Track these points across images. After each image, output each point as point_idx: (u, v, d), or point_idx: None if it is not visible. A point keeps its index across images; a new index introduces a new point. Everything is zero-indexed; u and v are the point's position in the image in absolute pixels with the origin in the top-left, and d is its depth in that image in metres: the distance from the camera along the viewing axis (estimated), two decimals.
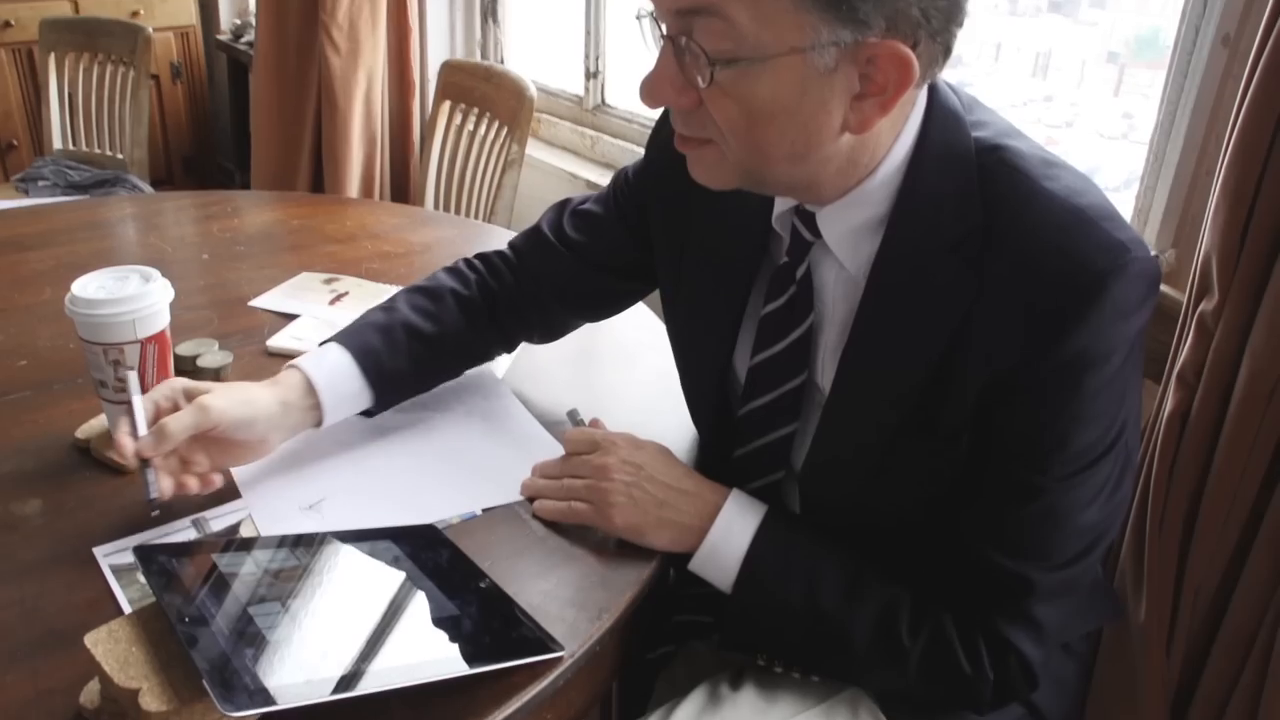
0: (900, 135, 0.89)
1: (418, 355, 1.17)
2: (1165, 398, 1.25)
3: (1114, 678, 1.30)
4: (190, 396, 1.02)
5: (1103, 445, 0.88)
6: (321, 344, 1.15)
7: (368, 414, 1.17)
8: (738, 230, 1.03)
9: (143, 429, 0.98)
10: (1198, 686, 1.26)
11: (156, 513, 0.98)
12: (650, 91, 0.87)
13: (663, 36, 0.84)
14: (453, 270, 1.27)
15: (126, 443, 0.97)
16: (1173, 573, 1.26)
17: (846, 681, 1.00)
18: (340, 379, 1.12)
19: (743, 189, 0.92)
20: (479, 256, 1.29)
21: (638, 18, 0.87)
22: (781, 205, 0.99)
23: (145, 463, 0.97)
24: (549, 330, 1.30)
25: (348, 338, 1.15)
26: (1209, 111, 1.36)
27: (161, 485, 0.97)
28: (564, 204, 1.26)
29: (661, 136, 1.13)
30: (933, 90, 0.90)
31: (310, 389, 1.09)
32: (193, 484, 1.00)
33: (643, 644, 1.09)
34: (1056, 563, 0.91)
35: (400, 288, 1.24)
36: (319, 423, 1.11)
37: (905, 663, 0.93)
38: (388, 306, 1.20)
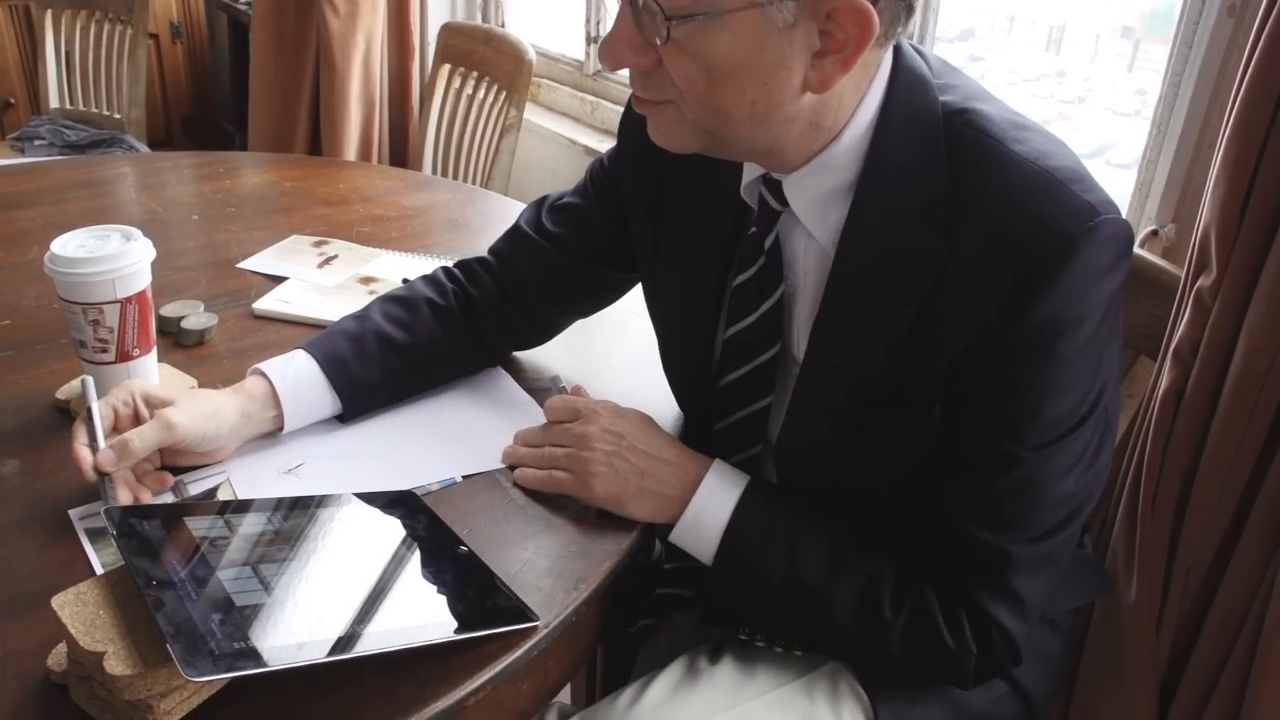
0: (865, 99, 0.87)
1: (390, 365, 1.15)
2: (1161, 375, 1.24)
3: (1103, 655, 1.29)
4: (150, 404, 1.00)
5: (1079, 413, 0.86)
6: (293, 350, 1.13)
7: (340, 419, 1.14)
8: (712, 205, 1.02)
9: (101, 440, 0.95)
10: (1187, 665, 1.25)
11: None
12: (608, 53, 0.86)
13: None
14: (430, 279, 1.23)
15: (85, 454, 0.94)
16: (1165, 551, 1.25)
17: (828, 655, 0.99)
18: (304, 387, 1.09)
19: (704, 152, 0.90)
20: (459, 265, 1.26)
21: None
22: (749, 174, 0.97)
23: (104, 478, 0.94)
24: (539, 331, 1.27)
25: (316, 346, 1.12)
26: (1213, 83, 1.34)
27: (119, 496, 0.95)
28: (541, 201, 1.24)
29: (633, 118, 1.10)
30: (898, 53, 0.89)
31: (273, 397, 1.07)
32: (147, 495, 0.98)
33: (624, 616, 1.08)
34: (1035, 534, 0.89)
35: (389, 251, 1.22)
36: (280, 429, 1.09)
37: (888, 637, 0.92)
38: (360, 315, 1.18)
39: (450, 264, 1.26)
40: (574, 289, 1.23)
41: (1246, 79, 1.07)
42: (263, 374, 1.07)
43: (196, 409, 1.00)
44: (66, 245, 1.06)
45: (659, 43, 0.80)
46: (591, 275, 1.21)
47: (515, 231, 1.23)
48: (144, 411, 0.99)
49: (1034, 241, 0.80)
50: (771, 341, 0.98)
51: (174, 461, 1.02)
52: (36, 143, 2.95)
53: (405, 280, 1.39)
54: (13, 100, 3.70)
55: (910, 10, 0.82)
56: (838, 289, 0.91)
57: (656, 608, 1.12)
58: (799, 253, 0.95)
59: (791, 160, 0.90)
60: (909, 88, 0.88)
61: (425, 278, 1.24)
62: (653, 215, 1.08)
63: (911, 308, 0.86)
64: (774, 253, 0.96)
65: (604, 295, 1.25)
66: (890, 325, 0.88)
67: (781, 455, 1.00)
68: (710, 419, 1.06)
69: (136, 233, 1.08)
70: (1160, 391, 1.23)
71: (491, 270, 1.24)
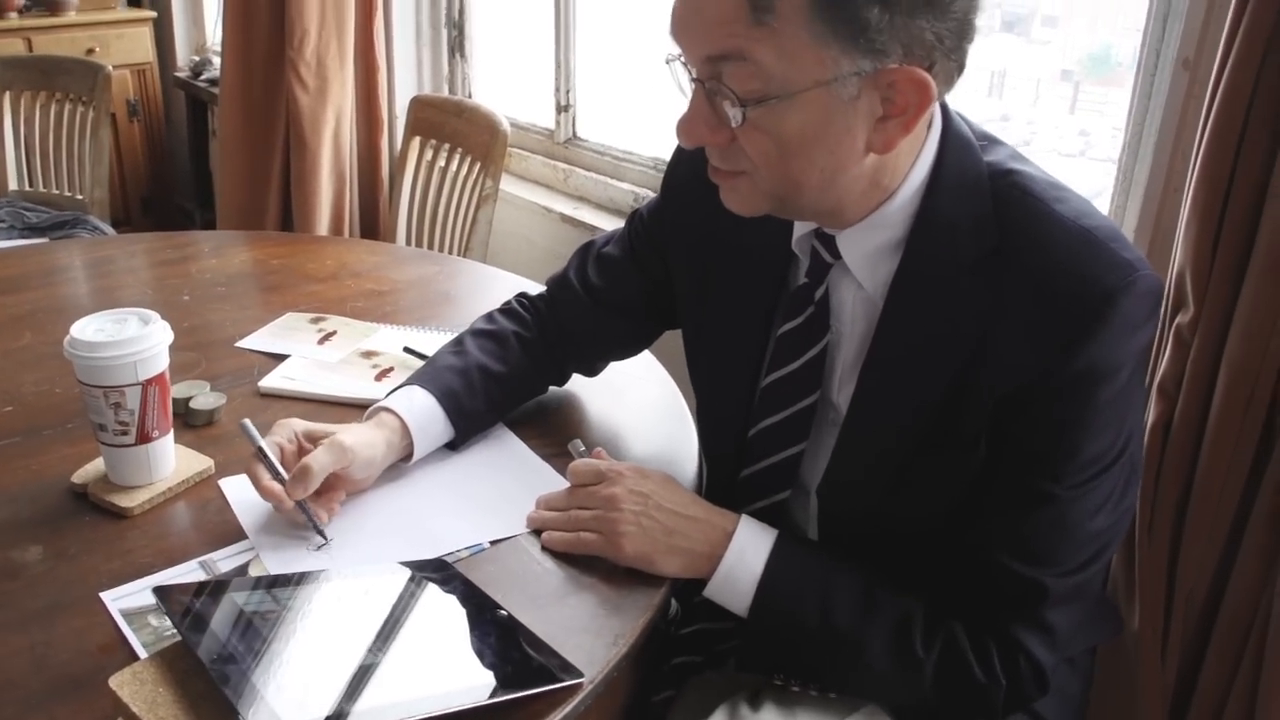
0: (917, 160, 0.94)
1: (492, 394, 1.23)
2: (1148, 409, 1.29)
3: (1112, 686, 1.33)
4: (311, 437, 1.10)
5: (1112, 454, 0.92)
6: (397, 387, 1.20)
7: (450, 446, 1.21)
8: (759, 257, 1.07)
9: (283, 472, 1.05)
10: (1194, 691, 1.29)
11: (324, 542, 1.04)
12: (686, 132, 0.92)
13: (693, 80, 0.88)
14: (507, 313, 1.32)
15: (275, 487, 1.04)
16: (1164, 580, 1.29)
17: (864, 697, 1.02)
18: (428, 420, 1.17)
19: (772, 214, 0.96)
20: (526, 298, 1.34)
21: (667, 62, 0.91)
22: (801, 229, 1.03)
23: (300, 502, 1.04)
24: (587, 368, 1.34)
25: (429, 381, 1.19)
26: (1174, 131, 1.41)
27: (322, 515, 1.05)
28: (588, 247, 1.30)
29: (676, 175, 1.17)
30: (946, 118, 0.96)
31: (405, 430, 1.14)
32: (325, 516, 1.06)
33: (645, 687, 1.10)
34: (1068, 568, 0.94)
35: (387, 325, 1.24)
36: (408, 458, 1.16)
37: (921, 674, 0.95)
38: (458, 350, 1.25)
39: (518, 298, 1.35)
40: (612, 339, 1.31)
41: (1208, 129, 1.14)
42: (390, 410, 1.15)
43: (357, 436, 1.10)
44: (86, 329, 1.07)
45: (735, 124, 0.87)
46: (628, 327, 1.29)
47: (564, 280, 1.30)
48: (306, 445, 1.09)
49: (1077, 295, 0.87)
50: (811, 389, 1.03)
51: (331, 489, 1.08)
52: None
53: (406, 349, 1.44)
54: None
55: (961, 69, 0.89)
56: (887, 337, 0.97)
57: (674, 677, 1.14)
58: (846, 303, 1.01)
59: (850, 217, 0.96)
60: (957, 149, 0.95)
61: (504, 312, 1.32)
62: (697, 266, 1.14)
63: (959, 355, 0.92)
64: (823, 303, 1.01)
65: (639, 343, 1.33)
66: (938, 371, 0.93)
67: (825, 498, 1.04)
68: (738, 466, 1.09)
69: (154, 315, 1.10)
70: (1148, 425, 1.28)
71: (550, 305, 1.31)
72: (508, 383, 1.25)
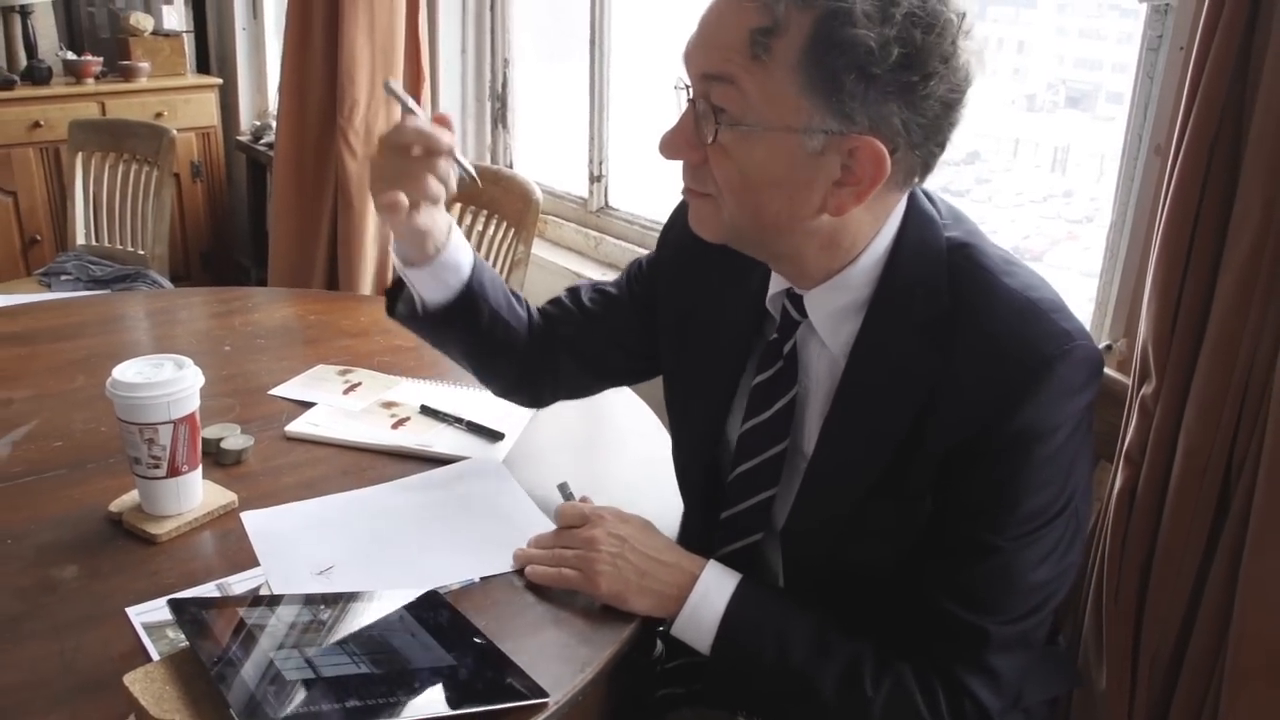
0: (880, 232, 1.03)
1: (500, 305, 1.28)
2: (1116, 476, 1.35)
3: None
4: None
5: (1053, 510, 1.00)
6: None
7: (423, 312, 1.26)
8: (736, 312, 1.17)
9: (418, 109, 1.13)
10: None
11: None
12: (668, 143, 1.02)
13: (689, 99, 0.99)
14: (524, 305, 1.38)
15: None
16: (1129, 643, 1.34)
17: None
18: (461, 250, 1.23)
19: (730, 245, 1.05)
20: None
21: (676, 87, 1.01)
22: (775, 287, 1.12)
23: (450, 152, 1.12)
24: (571, 388, 1.41)
25: (482, 264, 1.27)
26: (1149, 212, 1.48)
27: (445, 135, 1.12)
28: (580, 286, 1.39)
29: (671, 232, 1.27)
30: (912, 197, 1.05)
31: (449, 240, 1.21)
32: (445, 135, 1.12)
33: (624, 717, 1.18)
34: (1011, 616, 1.01)
35: (408, 378, 1.34)
36: (435, 255, 1.21)
37: (869, 712, 1.02)
38: (502, 280, 1.32)
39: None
40: (596, 359, 1.35)
41: (1165, 212, 1.22)
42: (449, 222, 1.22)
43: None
44: (126, 372, 1.19)
45: (708, 140, 0.97)
46: (612, 355, 1.35)
47: (557, 302, 1.38)
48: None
49: (1017, 359, 0.95)
50: (781, 437, 1.12)
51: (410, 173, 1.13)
52: (63, 278, 3.06)
53: (423, 407, 1.54)
54: (38, 237, 3.87)
55: (928, 169, 0.99)
56: (847, 394, 1.06)
57: (658, 708, 1.22)
58: (812, 359, 1.10)
59: (812, 274, 1.05)
60: (919, 224, 1.04)
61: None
62: (682, 318, 1.23)
63: (910, 411, 1.00)
64: (791, 358, 1.10)
65: (621, 374, 1.40)
66: (891, 426, 1.01)
67: (788, 540, 1.13)
68: (718, 507, 1.18)
69: (188, 361, 1.22)
70: (1115, 491, 1.34)
71: (547, 318, 1.37)
72: (508, 319, 1.29)
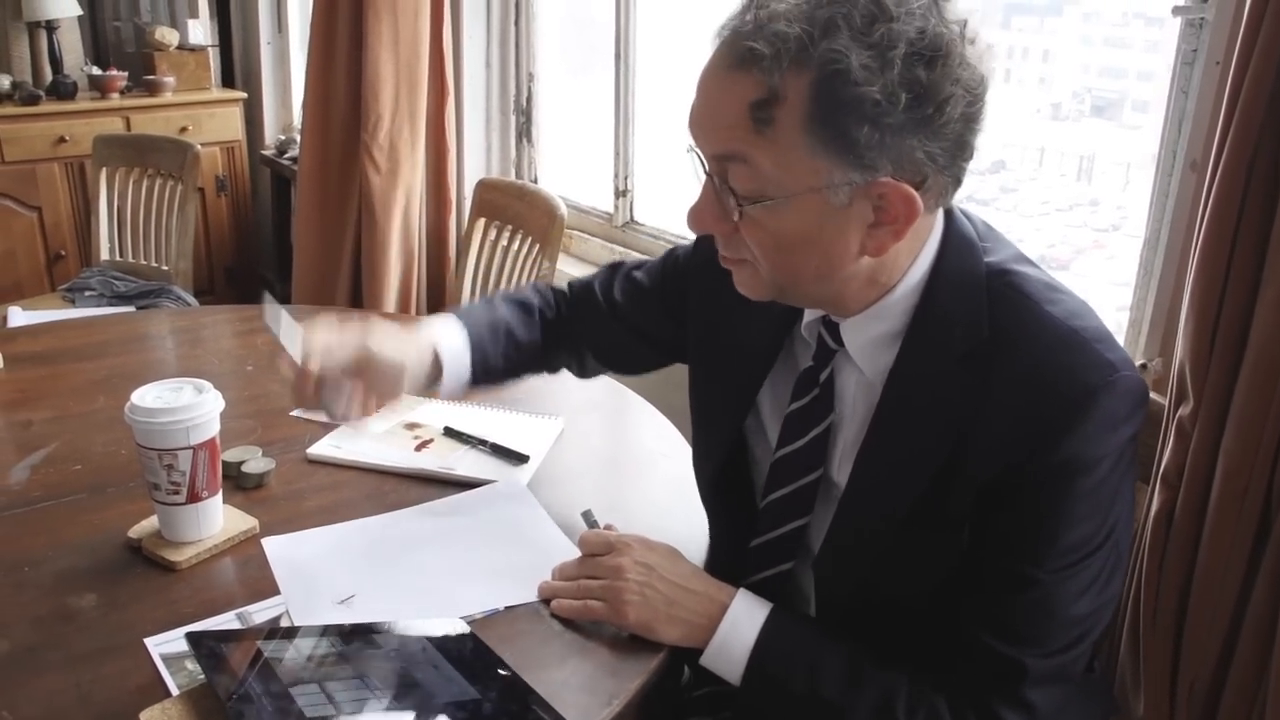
0: (918, 258, 1.01)
1: (510, 357, 1.34)
2: (1152, 498, 1.32)
3: None
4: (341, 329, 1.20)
5: (1094, 543, 0.97)
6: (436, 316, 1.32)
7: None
8: (761, 328, 1.15)
9: (298, 355, 1.15)
10: None
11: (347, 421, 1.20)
12: (695, 220, 1.01)
13: (705, 173, 0.97)
14: (538, 291, 1.43)
15: (293, 366, 1.15)
16: (1168, 669, 1.31)
17: None
18: (458, 365, 1.28)
19: (777, 300, 1.04)
20: (552, 288, 1.44)
21: (688, 151, 0.99)
22: (810, 315, 1.10)
23: (319, 385, 1.14)
24: (581, 368, 1.44)
25: (467, 323, 1.31)
26: (1184, 230, 1.45)
27: (353, 410, 1.18)
28: (617, 266, 1.40)
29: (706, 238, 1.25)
30: (949, 217, 1.03)
31: (435, 351, 1.26)
32: (355, 410, 1.18)
33: None
34: (1049, 650, 0.98)
35: (432, 399, 1.32)
36: (433, 390, 1.28)
37: None
38: (490, 306, 1.36)
39: (538, 284, 1.47)
40: (616, 352, 1.40)
41: (1203, 228, 1.19)
42: (432, 339, 1.26)
43: (384, 340, 1.20)
44: (145, 396, 1.18)
45: (735, 218, 0.95)
46: (634, 347, 1.37)
47: (587, 287, 1.40)
48: (336, 335, 1.19)
49: (1060, 391, 0.93)
50: (815, 465, 1.10)
51: (363, 386, 1.18)
52: (87, 293, 3.05)
53: (446, 429, 1.52)
54: (63, 252, 3.88)
55: (958, 183, 0.97)
56: (883, 422, 1.03)
57: None
58: (849, 386, 1.08)
59: (851, 307, 1.03)
60: (958, 249, 1.01)
61: (535, 289, 1.44)
62: (708, 322, 1.22)
63: (948, 441, 0.98)
64: (827, 386, 1.08)
65: (641, 364, 1.43)
66: (928, 456, 0.99)
67: (821, 568, 1.10)
68: (748, 535, 1.16)
69: (208, 385, 1.20)
70: (1152, 513, 1.31)
71: (568, 303, 1.42)
72: (524, 351, 1.35)
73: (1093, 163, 2.16)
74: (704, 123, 0.95)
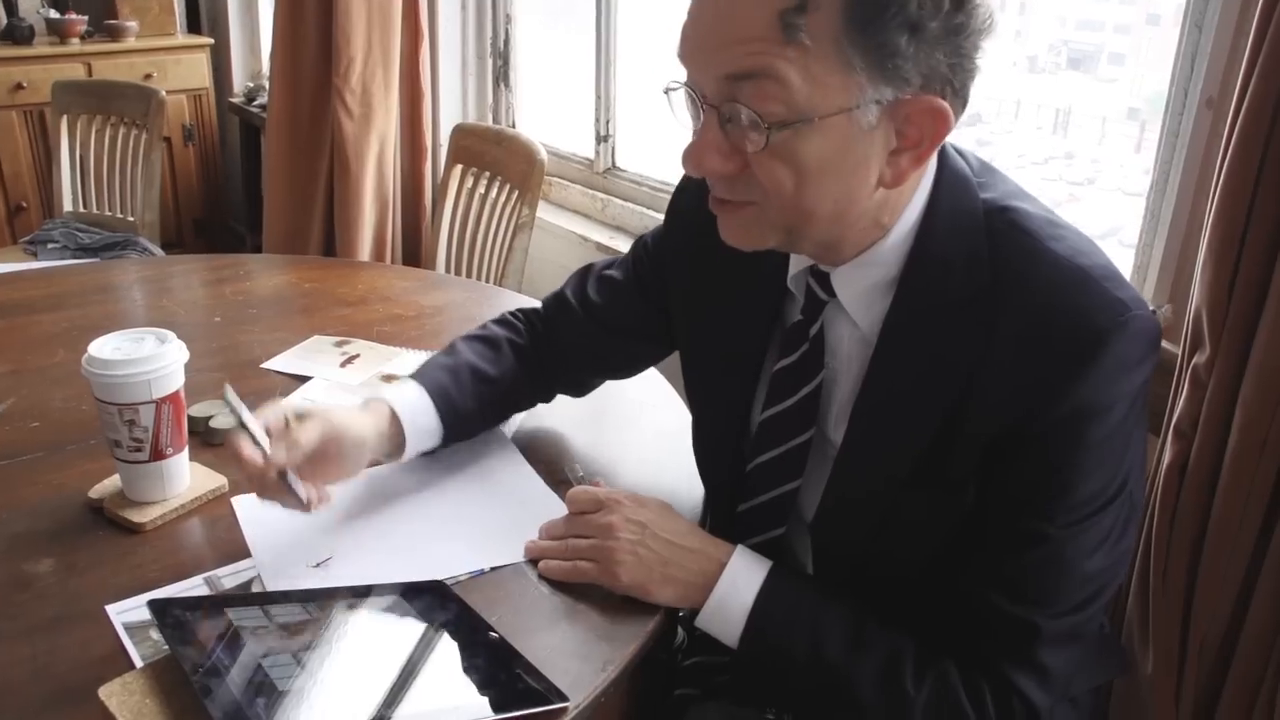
0: (911, 199, 0.93)
1: (482, 396, 1.24)
2: (1164, 450, 1.27)
3: None
4: (299, 417, 1.08)
5: (1106, 495, 0.91)
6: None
7: (429, 451, 1.22)
8: (756, 292, 1.07)
9: (265, 443, 1.03)
10: None
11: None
12: (696, 161, 0.90)
13: (705, 106, 0.87)
14: (502, 322, 1.33)
15: (256, 455, 1.01)
16: (1178, 624, 1.27)
17: None
18: (420, 415, 1.18)
19: (775, 248, 0.95)
20: (521, 312, 1.35)
21: (666, 91, 0.90)
22: (796, 265, 1.02)
23: (283, 474, 1.02)
24: (576, 388, 1.35)
25: (422, 377, 1.21)
26: (1198, 170, 1.40)
27: (302, 493, 1.03)
28: (588, 269, 1.31)
29: (680, 204, 1.17)
30: (943, 155, 0.95)
31: (395, 419, 1.15)
32: (315, 495, 1.05)
33: (644, 716, 1.11)
34: (1062, 609, 0.93)
35: (410, 349, 1.26)
36: (399, 454, 1.17)
37: (910, 711, 0.94)
38: (450, 351, 1.27)
39: (512, 313, 1.36)
40: (606, 358, 1.31)
41: (1225, 167, 1.13)
42: (381, 399, 1.16)
43: (346, 416, 1.10)
44: (103, 348, 1.10)
45: (753, 149, 0.85)
46: (624, 347, 1.29)
47: (561, 299, 1.31)
48: (294, 422, 1.06)
49: (1068, 334, 0.86)
50: (807, 425, 1.03)
51: (321, 470, 1.07)
52: (50, 246, 2.98)
53: None
54: (24, 204, 3.77)
55: (964, 106, 0.89)
56: (879, 375, 0.96)
57: (676, 709, 1.15)
58: (841, 340, 1.00)
59: (847, 252, 0.95)
60: (953, 186, 0.94)
61: (497, 321, 1.34)
62: (695, 299, 1.14)
63: (950, 393, 0.91)
64: (817, 340, 1.01)
65: (634, 364, 1.34)
66: (929, 409, 0.92)
67: (818, 532, 1.04)
68: (736, 500, 1.09)
69: (170, 335, 1.13)
70: (1164, 466, 1.26)
71: (545, 321, 1.32)
72: (498, 385, 1.25)
73: (1069, 116, 2.16)
74: (714, 40, 0.85)
